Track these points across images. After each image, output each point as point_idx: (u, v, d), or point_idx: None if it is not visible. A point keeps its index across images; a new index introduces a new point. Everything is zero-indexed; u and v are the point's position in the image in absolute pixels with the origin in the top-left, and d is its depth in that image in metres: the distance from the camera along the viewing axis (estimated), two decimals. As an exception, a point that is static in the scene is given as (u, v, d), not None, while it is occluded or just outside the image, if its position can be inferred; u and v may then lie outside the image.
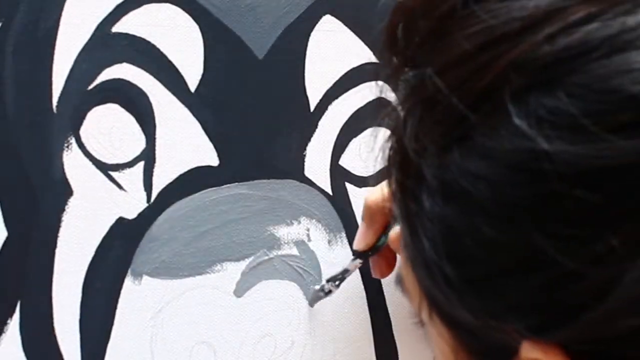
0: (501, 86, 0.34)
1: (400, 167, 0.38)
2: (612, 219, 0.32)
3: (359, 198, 0.70)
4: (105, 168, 0.61)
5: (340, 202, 0.70)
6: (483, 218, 0.34)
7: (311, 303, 0.68)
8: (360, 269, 0.70)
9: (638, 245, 0.31)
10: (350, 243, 0.70)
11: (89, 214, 0.61)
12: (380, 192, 0.64)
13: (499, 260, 0.34)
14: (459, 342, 0.39)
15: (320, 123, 0.68)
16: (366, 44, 0.70)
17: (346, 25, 0.69)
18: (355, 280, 0.70)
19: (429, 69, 0.36)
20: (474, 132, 0.35)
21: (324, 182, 0.69)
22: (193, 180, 0.64)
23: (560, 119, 0.32)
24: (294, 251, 0.68)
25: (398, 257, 0.67)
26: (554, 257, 0.32)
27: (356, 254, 0.67)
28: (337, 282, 0.67)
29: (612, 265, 0.32)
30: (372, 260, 0.67)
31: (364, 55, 0.70)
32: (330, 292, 0.67)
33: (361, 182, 0.70)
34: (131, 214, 0.63)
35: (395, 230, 0.64)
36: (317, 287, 0.68)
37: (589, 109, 0.32)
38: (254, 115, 0.66)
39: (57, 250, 0.60)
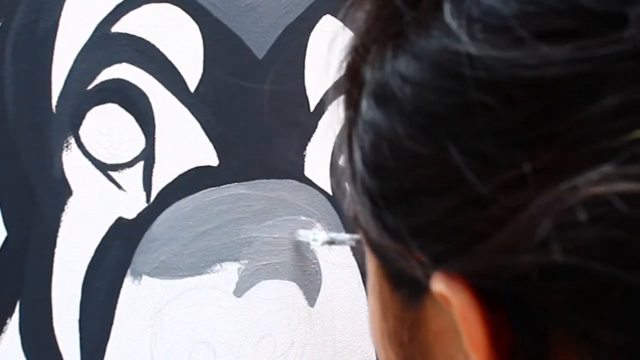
0: None
1: (347, 73, 0.36)
2: (527, 141, 0.29)
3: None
4: (104, 168, 0.61)
5: (340, 202, 0.70)
6: (404, 126, 0.32)
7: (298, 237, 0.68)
8: (360, 270, 0.70)
9: (549, 175, 0.29)
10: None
11: (89, 214, 0.61)
12: None
13: (413, 175, 0.32)
14: (381, 268, 0.36)
15: (320, 123, 0.69)
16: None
17: (346, 25, 0.69)
18: (355, 280, 0.70)
19: None
20: (408, 29, 0.32)
21: (324, 182, 0.69)
22: (193, 180, 0.64)
23: (492, 20, 0.30)
24: (294, 251, 0.68)
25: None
26: (466, 177, 0.30)
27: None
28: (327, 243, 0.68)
29: (519, 193, 0.29)
30: None
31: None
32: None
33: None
34: (131, 214, 0.63)
35: None
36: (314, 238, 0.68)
37: (521, 10, 0.29)
38: (254, 115, 0.66)
39: (57, 250, 0.60)
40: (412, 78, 0.31)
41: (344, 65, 0.36)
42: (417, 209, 0.31)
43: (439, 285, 0.31)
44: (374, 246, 0.35)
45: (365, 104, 0.33)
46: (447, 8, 0.30)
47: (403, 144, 0.31)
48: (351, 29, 0.36)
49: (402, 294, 0.34)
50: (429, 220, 0.31)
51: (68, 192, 0.60)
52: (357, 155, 0.33)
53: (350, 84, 0.35)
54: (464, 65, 0.29)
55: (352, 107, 0.35)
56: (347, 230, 0.70)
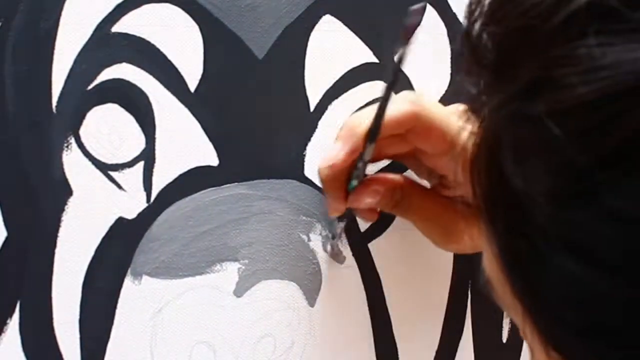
0: (635, 144, 0.30)
1: (504, 200, 0.35)
2: None
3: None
4: (105, 168, 0.61)
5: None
6: (617, 280, 0.32)
7: (334, 258, 0.70)
8: (359, 269, 0.70)
9: None
10: (350, 243, 0.70)
11: (89, 214, 0.61)
12: (369, 116, 0.62)
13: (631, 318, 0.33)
14: None
15: (320, 123, 0.69)
16: (366, 43, 0.70)
17: (346, 25, 0.69)
18: (355, 280, 0.70)
19: (539, 109, 0.33)
20: (599, 192, 0.32)
21: (324, 182, 0.69)
22: (193, 180, 0.64)
23: None
24: (294, 251, 0.68)
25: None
26: None
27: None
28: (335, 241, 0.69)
29: None
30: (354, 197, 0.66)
31: (363, 55, 0.70)
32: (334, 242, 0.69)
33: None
34: (131, 214, 0.63)
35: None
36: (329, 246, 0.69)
37: None
38: (254, 115, 0.66)
39: (57, 250, 0.60)
40: (620, 238, 0.31)
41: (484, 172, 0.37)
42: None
43: None
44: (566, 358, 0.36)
45: (546, 246, 0.34)
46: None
47: (620, 294, 0.32)
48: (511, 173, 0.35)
49: None
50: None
51: (68, 192, 0.60)
52: (544, 290, 0.35)
53: (508, 209, 0.35)
54: None
55: (514, 233, 0.36)
56: (347, 230, 0.70)
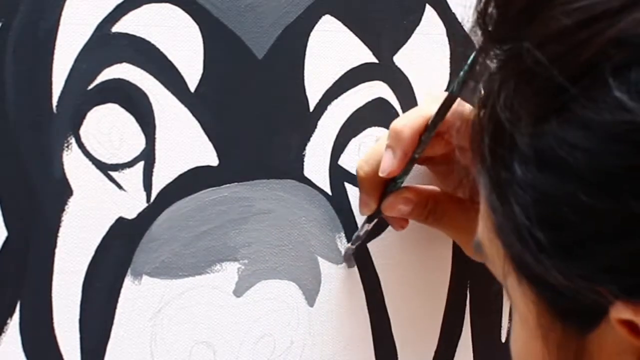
0: (601, 61, 0.36)
1: (492, 135, 0.40)
2: None
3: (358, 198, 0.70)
4: (105, 168, 0.61)
5: (339, 202, 0.70)
6: (579, 185, 0.36)
7: (349, 264, 0.71)
8: (359, 269, 0.70)
9: None
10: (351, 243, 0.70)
11: (89, 213, 0.61)
12: (410, 119, 0.64)
13: (594, 225, 0.36)
14: (545, 303, 0.40)
15: (319, 123, 0.69)
16: (366, 43, 0.70)
17: (346, 25, 0.69)
18: (354, 280, 0.71)
19: (526, 43, 0.38)
20: (572, 103, 0.36)
21: (323, 182, 0.69)
22: (193, 180, 0.64)
23: None
24: (294, 251, 0.68)
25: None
26: None
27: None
28: (356, 245, 0.70)
29: None
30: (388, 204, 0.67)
31: (363, 55, 0.70)
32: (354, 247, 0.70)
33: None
34: (131, 214, 0.63)
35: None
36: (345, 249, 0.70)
37: None
38: (254, 115, 0.66)
39: (57, 250, 0.60)
40: (582, 145, 0.36)
41: (480, 120, 0.41)
42: (599, 253, 0.36)
43: (623, 313, 0.35)
44: (539, 286, 0.40)
45: (522, 168, 0.38)
46: (613, 84, 0.35)
47: (578, 200, 0.36)
48: (484, 89, 0.42)
49: (568, 325, 0.39)
50: (614, 262, 0.36)
51: (68, 192, 0.60)
52: (518, 211, 0.38)
53: (494, 144, 0.40)
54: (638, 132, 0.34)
55: (499, 165, 0.40)
56: (346, 230, 0.70)
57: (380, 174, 0.65)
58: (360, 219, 0.70)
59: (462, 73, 0.59)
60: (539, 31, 0.38)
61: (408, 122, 0.64)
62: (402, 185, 0.67)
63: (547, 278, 0.38)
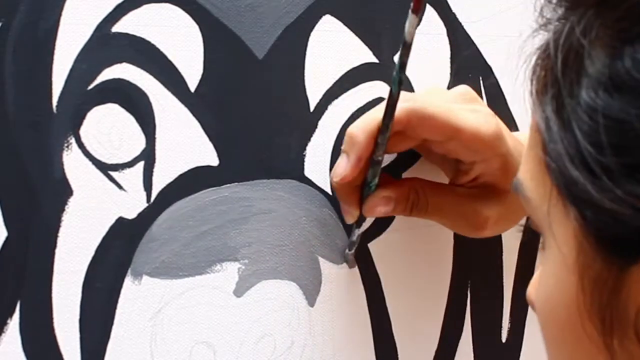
0: None
1: (561, 63, 0.40)
2: None
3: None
4: (105, 168, 0.61)
5: (339, 202, 0.70)
6: None
7: (351, 265, 0.71)
8: (359, 269, 0.70)
9: None
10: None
11: (89, 213, 0.61)
12: (364, 122, 0.64)
13: None
14: (590, 234, 0.40)
15: (320, 123, 0.69)
16: (366, 43, 0.70)
17: (346, 25, 0.69)
18: (355, 280, 0.71)
19: None
20: None
21: (324, 182, 0.69)
22: (193, 180, 0.64)
23: None
24: (294, 251, 0.68)
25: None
26: None
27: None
28: (353, 250, 0.70)
29: None
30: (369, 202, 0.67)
31: (363, 55, 0.70)
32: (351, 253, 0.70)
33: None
34: (131, 214, 0.63)
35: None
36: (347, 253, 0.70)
37: None
38: (254, 115, 0.66)
39: (57, 250, 0.60)
40: None
41: (555, 48, 0.41)
42: None
43: None
44: (589, 215, 0.40)
45: (589, 94, 0.38)
46: None
47: None
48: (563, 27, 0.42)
49: (610, 258, 0.39)
50: None
51: (68, 192, 0.60)
52: (581, 136, 0.39)
53: (563, 73, 0.40)
54: None
55: (564, 91, 0.40)
56: (347, 231, 0.70)
57: (334, 179, 0.66)
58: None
59: (395, 73, 0.59)
60: None
61: (362, 125, 0.64)
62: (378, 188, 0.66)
63: (602, 203, 0.38)
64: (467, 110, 0.65)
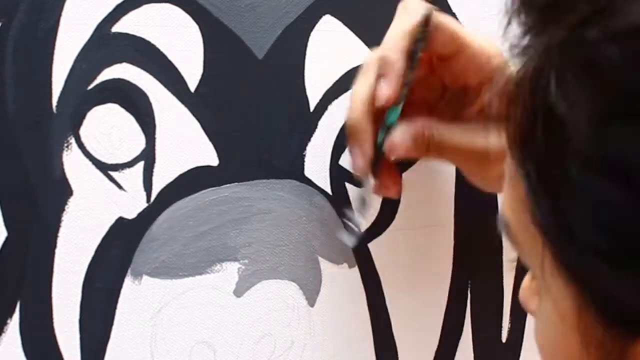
0: None
1: (544, 124, 0.37)
2: None
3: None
4: (105, 168, 0.61)
5: (340, 202, 0.70)
6: None
7: (350, 242, 0.69)
8: (359, 269, 0.70)
9: None
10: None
11: (89, 213, 0.61)
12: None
13: None
14: (587, 301, 0.38)
15: (320, 123, 0.69)
16: (366, 43, 0.70)
17: (346, 25, 0.69)
18: (355, 280, 0.71)
19: (594, 32, 0.35)
20: None
21: (324, 182, 0.69)
22: (193, 180, 0.64)
23: None
24: (294, 251, 0.68)
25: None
26: None
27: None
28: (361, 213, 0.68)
29: None
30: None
31: (363, 55, 0.70)
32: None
33: (360, 181, 0.71)
34: (131, 214, 0.63)
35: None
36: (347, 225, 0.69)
37: None
38: (254, 115, 0.66)
39: (57, 250, 0.60)
40: None
41: (534, 107, 0.37)
42: None
43: None
44: (582, 285, 0.37)
45: (579, 169, 0.35)
46: None
47: None
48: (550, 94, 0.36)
49: (615, 329, 0.37)
50: None
51: (68, 192, 0.60)
52: (569, 210, 0.35)
53: (548, 137, 0.36)
54: None
55: (550, 161, 0.36)
56: (347, 230, 0.70)
57: (377, 105, 0.63)
58: (359, 214, 0.70)
59: None
60: (611, 22, 0.34)
61: (391, 44, 0.62)
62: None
63: (593, 280, 0.36)
64: (478, 35, 0.65)
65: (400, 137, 0.64)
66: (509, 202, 0.42)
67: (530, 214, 0.39)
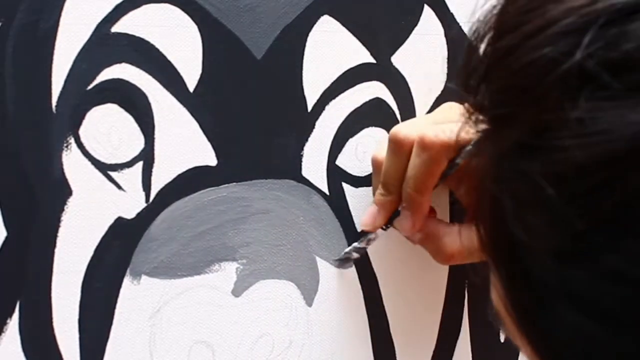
0: (631, 207, 0.31)
1: (508, 251, 0.35)
2: None
3: (356, 198, 0.70)
4: (104, 168, 0.61)
5: (337, 202, 0.70)
6: (631, 337, 0.32)
7: (341, 265, 0.70)
8: (356, 269, 0.70)
9: None
10: (349, 243, 0.70)
11: (88, 213, 0.61)
12: (420, 181, 0.64)
13: None
14: None
15: (317, 123, 0.69)
16: (364, 44, 0.70)
17: (344, 25, 0.69)
18: (353, 280, 0.71)
19: (534, 167, 0.33)
20: (599, 252, 0.32)
21: (321, 182, 0.69)
22: (191, 180, 0.64)
23: None
24: (292, 251, 0.68)
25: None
26: None
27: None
28: (362, 248, 0.69)
29: None
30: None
31: (361, 55, 0.70)
32: (355, 257, 0.70)
33: (358, 182, 0.71)
34: (130, 214, 0.63)
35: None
36: (345, 252, 0.70)
37: None
38: (252, 115, 0.66)
39: (57, 250, 0.60)
40: (626, 296, 0.31)
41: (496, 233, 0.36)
42: None
43: None
44: None
45: (550, 302, 0.33)
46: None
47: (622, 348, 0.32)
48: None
49: None
50: None
51: (68, 192, 0.60)
52: (549, 337, 0.35)
53: (513, 263, 0.35)
54: None
55: (518, 287, 0.35)
56: (345, 230, 0.70)
57: (405, 235, 0.68)
58: (357, 219, 0.71)
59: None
60: (547, 159, 0.33)
61: (420, 186, 0.64)
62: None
63: None
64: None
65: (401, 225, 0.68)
66: (496, 297, 0.41)
67: (512, 318, 0.38)
